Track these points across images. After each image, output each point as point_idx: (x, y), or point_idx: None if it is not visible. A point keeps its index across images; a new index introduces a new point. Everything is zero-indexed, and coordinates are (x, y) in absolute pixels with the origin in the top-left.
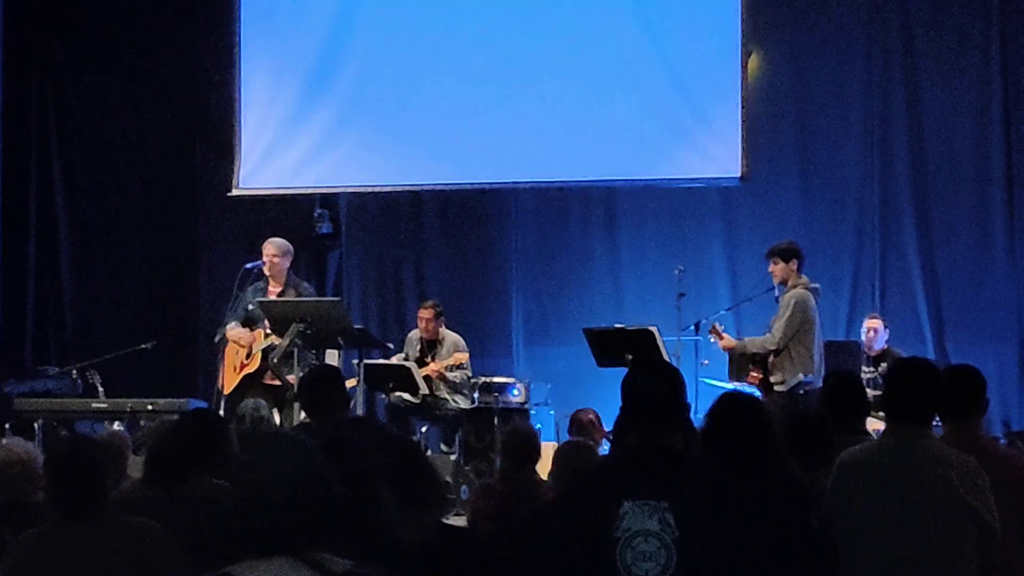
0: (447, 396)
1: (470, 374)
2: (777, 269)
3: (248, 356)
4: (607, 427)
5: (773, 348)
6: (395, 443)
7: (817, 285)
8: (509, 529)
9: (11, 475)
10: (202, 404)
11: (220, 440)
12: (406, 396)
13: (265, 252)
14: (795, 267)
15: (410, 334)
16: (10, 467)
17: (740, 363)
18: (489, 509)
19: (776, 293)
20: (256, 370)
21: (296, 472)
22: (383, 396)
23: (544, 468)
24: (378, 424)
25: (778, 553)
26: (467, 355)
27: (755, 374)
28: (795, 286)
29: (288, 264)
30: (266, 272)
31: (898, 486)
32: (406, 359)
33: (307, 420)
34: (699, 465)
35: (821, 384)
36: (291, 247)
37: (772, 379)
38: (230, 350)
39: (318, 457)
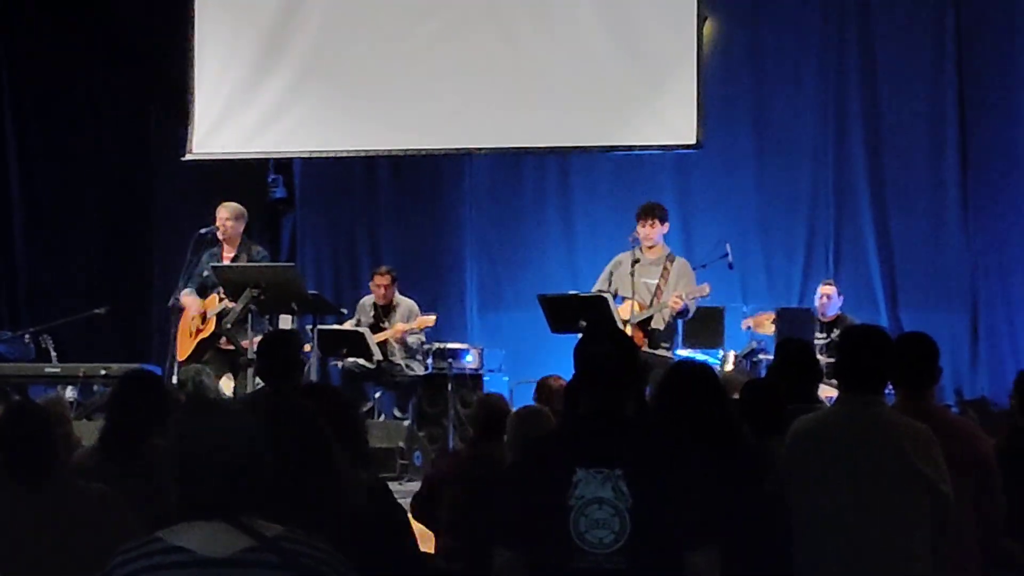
0: (401, 362)
1: (423, 339)
2: (654, 232)
3: (203, 321)
4: None
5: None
6: (332, 404)
7: None
8: (470, 493)
9: None
10: (156, 369)
11: (164, 401)
12: (361, 361)
13: (219, 216)
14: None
15: (362, 300)
16: None
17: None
18: (451, 471)
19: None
20: (211, 335)
21: (232, 439)
22: (336, 363)
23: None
24: (331, 389)
25: (731, 521)
26: (434, 317)
27: (641, 336)
28: (667, 251)
29: (242, 228)
30: (220, 236)
31: (851, 454)
32: (358, 324)
33: (262, 385)
34: (652, 432)
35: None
36: (245, 211)
37: (666, 344)
38: (185, 316)
39: (253, 424)
